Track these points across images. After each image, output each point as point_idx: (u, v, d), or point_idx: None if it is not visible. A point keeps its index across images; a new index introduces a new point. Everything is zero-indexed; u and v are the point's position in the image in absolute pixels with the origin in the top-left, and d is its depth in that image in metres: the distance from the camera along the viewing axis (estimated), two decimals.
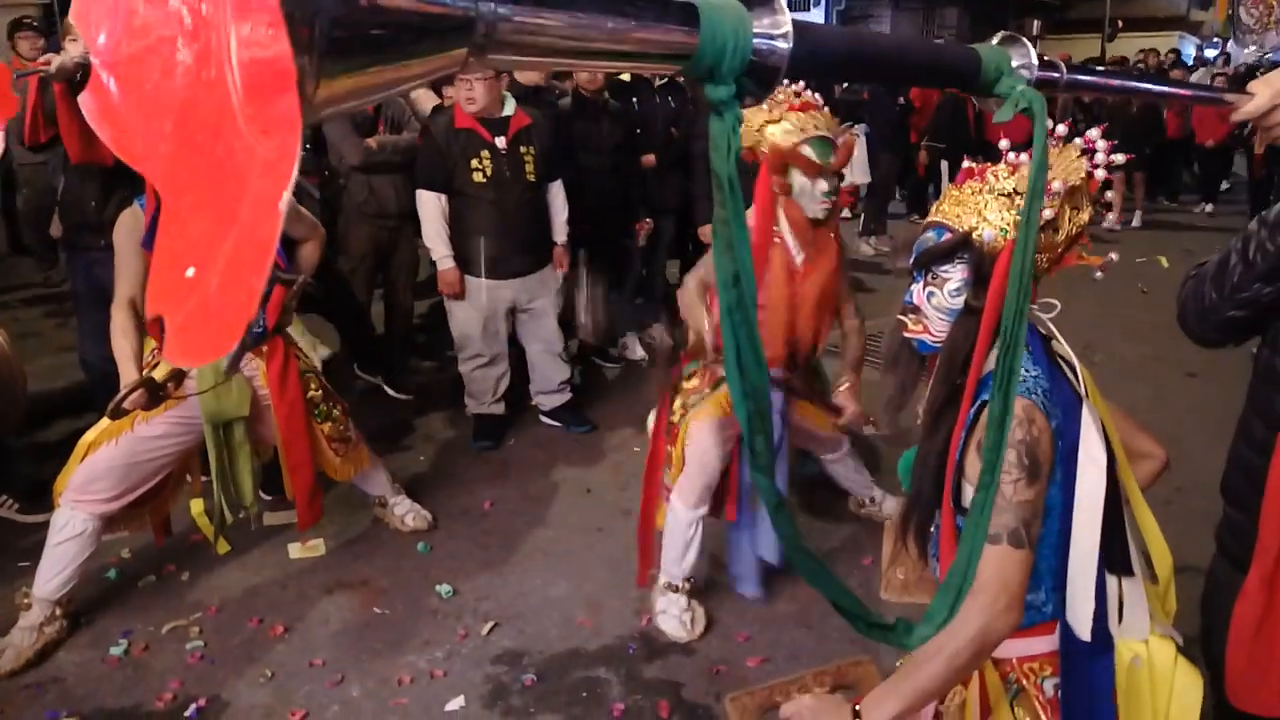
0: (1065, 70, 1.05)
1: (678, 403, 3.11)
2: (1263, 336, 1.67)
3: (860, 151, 7.49)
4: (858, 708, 1.41)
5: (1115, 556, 1.53)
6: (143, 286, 2.95)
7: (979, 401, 1.46)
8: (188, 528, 3.38)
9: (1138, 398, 4.77)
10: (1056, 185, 1.47)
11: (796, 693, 1.64)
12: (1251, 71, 11.12)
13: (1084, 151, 1.52)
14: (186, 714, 2.77)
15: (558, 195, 4.47)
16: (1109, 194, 1.56)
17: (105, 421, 2.93)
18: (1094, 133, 1.53)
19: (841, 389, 3.18)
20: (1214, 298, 1.64)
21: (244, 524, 3.32)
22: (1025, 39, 1.01)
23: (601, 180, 4.95)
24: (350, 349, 5.24)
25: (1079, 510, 1.48)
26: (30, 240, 7.27)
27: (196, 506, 3.21)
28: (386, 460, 3.88)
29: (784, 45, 0.76)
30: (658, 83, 5.64)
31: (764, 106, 2.88)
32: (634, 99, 5.50)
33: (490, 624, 3.18)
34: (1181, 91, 2.15)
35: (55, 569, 2.97)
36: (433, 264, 4.41)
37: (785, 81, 1.08)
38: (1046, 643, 1.55)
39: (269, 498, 3.71)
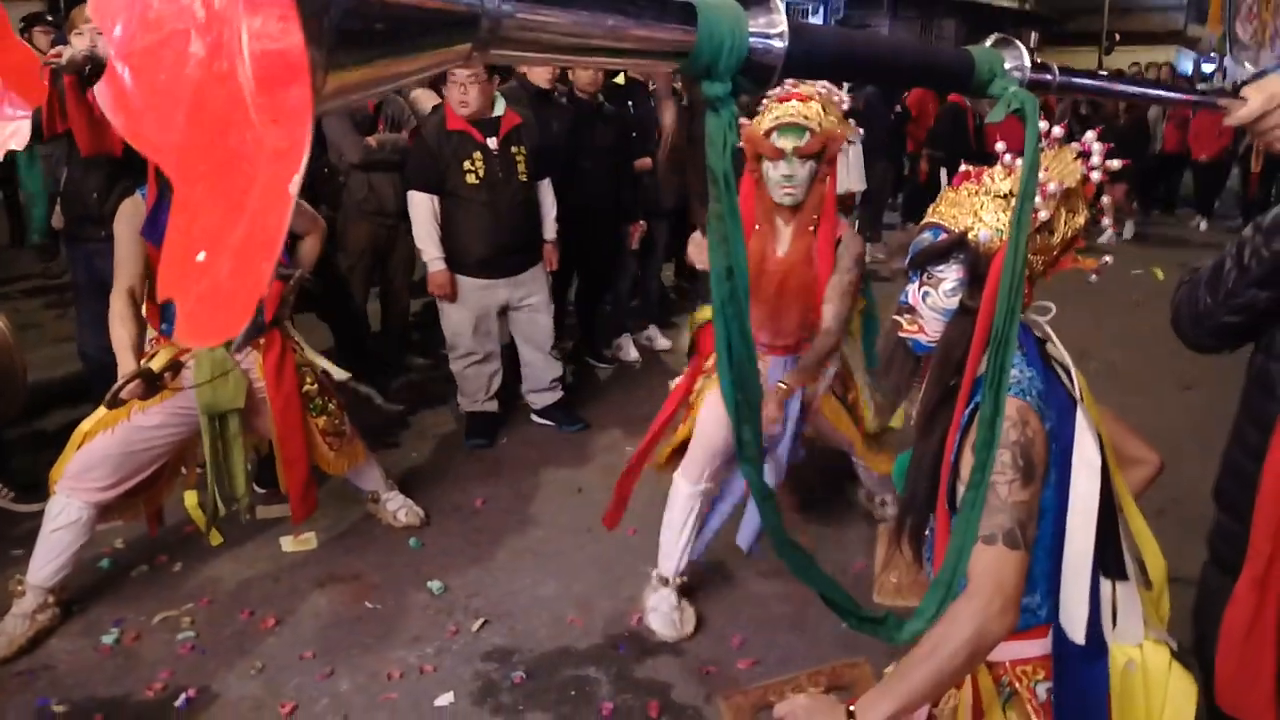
0: (1058, 73, 1.07)
1: (700, 382, 3.15)
2: (1257, 342, 1.66)
3: (855, 159, 7.47)
4: (852, 709, 1.39)
5: (1109, 560, 1.52)
6: (141, 275, 2.96)
7: (974, 403, 1.45)
8: (181, 519, 3.38)
9: (1132, 408, 4.76)
10: (1053, 187, 1.46)
11: (790, 693, 1.63)
12: None
13: (1080, 155, 1.52)
14: (176, 704, 2.78)
15: (547, 193, 4.50)
16: (1104, 199, 1.56)
17: (102, 411, 2.95)
18: (1090, 136, 1.52)
19: (779, 384, 2.99)
20: (1208, 303, 1.63)
21: (237, 516, 3.33)
22: (1019, 42, 1.03)
23: (596, 183, 4.96)
24: (342, 350, 5.21)
25: (1073, 513, 1.47)
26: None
27: (190, 498, 3.22)
28: (380, 456, 3.89)
29: (779, 44, 0.78)
30: (652, 86, 5.65)
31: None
32: (629, 102, 5.51)
33: (480, 621, 3.19)
34: (1175, 95, 2.16)
35: (49, 557, 2.98)
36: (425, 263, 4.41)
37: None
38: (1040, 646, 1.54)
39: (262, 490, 3.73)
